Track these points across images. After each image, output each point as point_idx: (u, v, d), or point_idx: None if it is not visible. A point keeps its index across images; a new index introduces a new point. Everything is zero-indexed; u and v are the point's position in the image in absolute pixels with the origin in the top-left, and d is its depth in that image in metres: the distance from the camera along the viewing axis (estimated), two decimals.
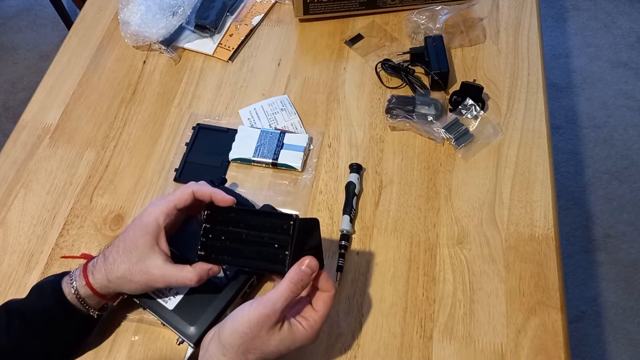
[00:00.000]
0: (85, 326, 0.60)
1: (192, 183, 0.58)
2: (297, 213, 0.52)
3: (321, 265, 0.52)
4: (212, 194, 0.56)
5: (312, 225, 0.54)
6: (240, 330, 0.48)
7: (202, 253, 0.56)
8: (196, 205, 0.58)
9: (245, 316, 0.49)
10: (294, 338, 0.50)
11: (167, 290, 0.60)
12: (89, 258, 0.59)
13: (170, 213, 0.56)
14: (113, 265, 0.55)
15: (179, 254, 0.62)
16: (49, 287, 0.57)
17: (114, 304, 0.61)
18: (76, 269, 0.58)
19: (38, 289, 0.58)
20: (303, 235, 0.52)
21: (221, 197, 0.56)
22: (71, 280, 0.57)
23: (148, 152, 0.78)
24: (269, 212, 0.54)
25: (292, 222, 0.51)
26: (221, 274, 0.60)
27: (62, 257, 0.69)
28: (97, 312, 0.59)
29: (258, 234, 0.54)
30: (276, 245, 0.52)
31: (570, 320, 1.39)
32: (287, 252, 0.51)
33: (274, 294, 0.49)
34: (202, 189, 0.57)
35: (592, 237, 1.52)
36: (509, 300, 0.63)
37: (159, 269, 0.55)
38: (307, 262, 0.51)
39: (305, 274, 0.50)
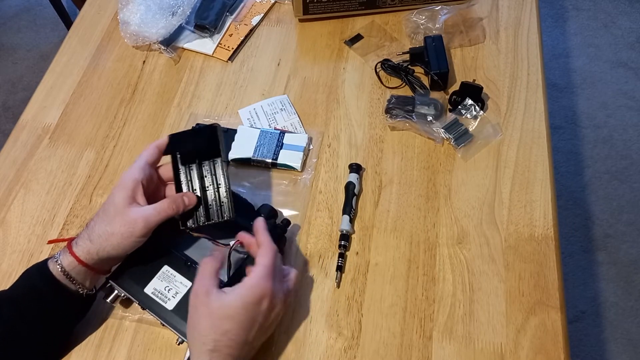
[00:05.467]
0: (77, 307, 0.60)
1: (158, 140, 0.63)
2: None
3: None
4: (167, 137, 0.62)
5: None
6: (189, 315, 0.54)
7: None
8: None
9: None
10: (237, 294, 0.53)
11: (167, 291, 0.60)
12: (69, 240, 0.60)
13: (145, 167, 0.59)
14: (93, 226, 0.57)
15: (180, 255, 0.63)
16: (34, 269, 0.58)
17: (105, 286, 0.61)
18: (61, 253, 0.58)
19: (24, 274, 0.58)
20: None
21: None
22: (56, 257, 0.57)
23: None
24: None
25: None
26: (221, 274, 0.60)
27: (49, 242, 0.70)
28: (86, 291, 0.59)
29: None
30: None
31: (570, 320, 1.39)
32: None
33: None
34: (160, 140, 0.62)
35: (592, 237, 1.52)
36: (509, 300, 0.63)
37: (137, 212, 0.56)
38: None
39: (212, 255, 0.57)
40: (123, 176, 0.58)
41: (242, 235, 0.60)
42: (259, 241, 0.58)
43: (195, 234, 0.63)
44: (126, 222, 0.55)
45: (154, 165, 0.61)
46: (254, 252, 0.58)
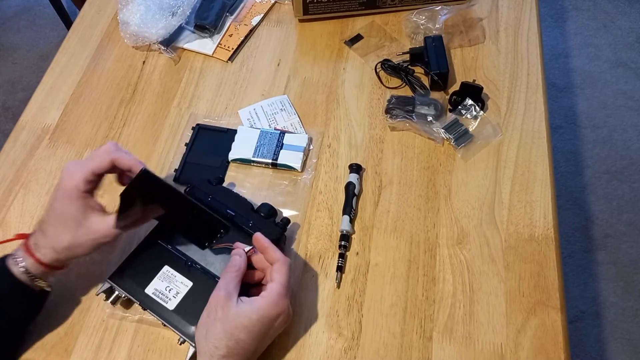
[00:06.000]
0: (37, 303, 0.59)
1: (112, 146, 0.57)
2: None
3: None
4: (132, 166, 0.56)
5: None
6: (201, 322, 0.54)
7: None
8: (121, 173, 0.58)
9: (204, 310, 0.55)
10: (255, 307, 0.53)
11: (167, 291, 0.60)
12: (24, 237, 0.59)
13: (90, 179, 0.56)
14: (55, 238, 0.55)
15: (180, 255, 0.63)
16: None
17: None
18: (17, 249, 0.57)
19: None
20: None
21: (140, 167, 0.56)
22: (16, 260, 0.56)
23: (148, 152, 0.78)
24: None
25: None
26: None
27: (1, 242, 0.66)
28: (48, 285, 0.58)
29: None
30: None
31: (570, 320, 1.39)
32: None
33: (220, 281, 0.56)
34: (123, 157, 0.56)
35: (592, 237, 1.52)
36: (509, 301, 0.63)
37: (102, 223, 0.55)
38: (236, 251, 0.59)
39: (237, 260, 0.57)
40: (67, 182, 0.55)
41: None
42: (271, 257, 0.58)
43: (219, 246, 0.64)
44: (92, 234, 0.55)
45: (103, 173, 0.57)
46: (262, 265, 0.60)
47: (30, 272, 0.56)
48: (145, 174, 0.55)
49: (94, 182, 0.57)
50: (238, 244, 0.61)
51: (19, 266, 0.55)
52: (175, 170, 0.75)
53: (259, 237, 0.59)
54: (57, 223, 0.55)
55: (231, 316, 0.53)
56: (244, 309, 0.53)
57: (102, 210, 0.57)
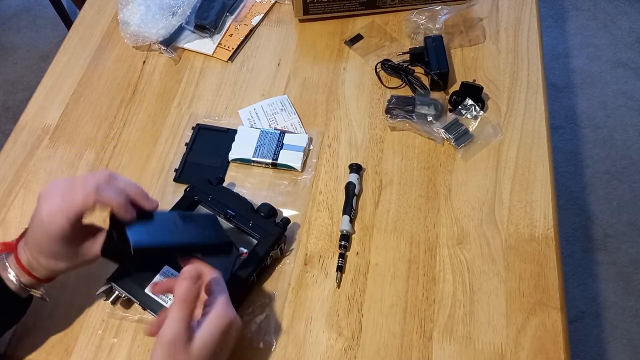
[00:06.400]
0: (24, 307, 0.58)
1: (94, 184, 0.50)
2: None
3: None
4: (115, 206, 0.50)
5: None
6: None
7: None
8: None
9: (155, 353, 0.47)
10: (205, 338, 0.48)
11: None
12: (9, 247, 0.56)
13: (74, 221, 0.50)
14: (49, 263, 0.53)
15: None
16: None
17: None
18: (7, 259, 0.55)
19: None
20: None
21: (124, 212, 0.51)
22: (7, 271, 0.54)
23: (148, 152, 0.78)
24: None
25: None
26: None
27: None
28: (40, 292, 0.57)
29: None
30: None
31: (570, 320, 1.39)
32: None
33: (166, 320, 0.48)
34: (105, 199, 0.50)
35: (592, 237, 1.52)
36: (509, 301, 0.63)
37: (94, 246, 0.54)
38: (181, 278, 0.49)
39: (180, 291, 0.48)
40: (51, 221, 0.49)
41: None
42: (205, 274, 0.52)
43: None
44: (87, 257, 0.54)
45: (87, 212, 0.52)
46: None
47: (24, 285, 0.55)
48: (138, 252, 0.50)
49: (80, 220, 0.51)
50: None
51: (14, 282, 0.54)
52: (176, 170, 0.75)
53: (188, 269, 0.50)
54: (49, 257, 0.53)
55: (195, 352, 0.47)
56: (197, 346, 0.47)
57: (94, 231, 0.55)
